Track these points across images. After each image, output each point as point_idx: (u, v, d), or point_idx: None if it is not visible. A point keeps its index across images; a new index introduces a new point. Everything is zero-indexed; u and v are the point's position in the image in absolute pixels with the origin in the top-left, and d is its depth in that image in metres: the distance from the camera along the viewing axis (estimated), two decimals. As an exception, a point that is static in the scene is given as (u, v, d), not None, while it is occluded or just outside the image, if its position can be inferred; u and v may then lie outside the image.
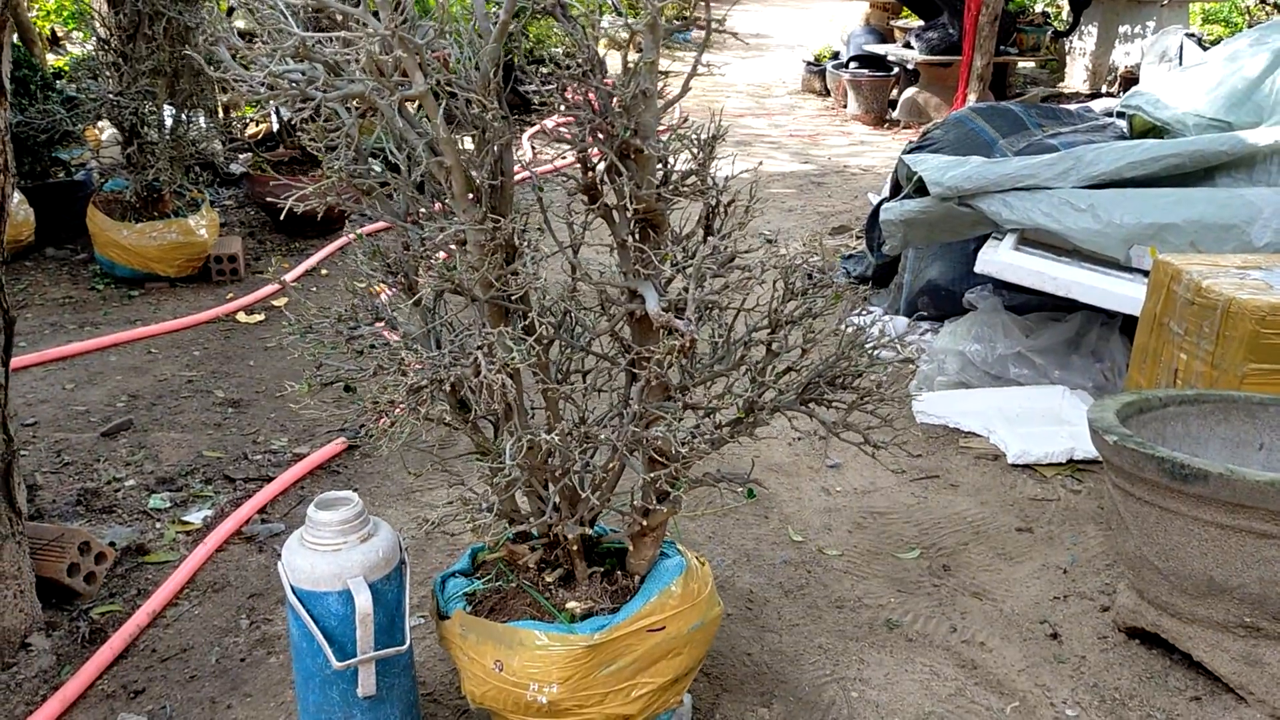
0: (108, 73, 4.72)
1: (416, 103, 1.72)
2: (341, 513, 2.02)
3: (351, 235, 1.99)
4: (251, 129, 6.73)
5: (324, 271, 5.31)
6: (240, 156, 6.04)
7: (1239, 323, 2.81)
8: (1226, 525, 2.22)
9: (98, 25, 4.75)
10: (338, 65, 1.63)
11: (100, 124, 6.33)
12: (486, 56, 1.70)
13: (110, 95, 4.65)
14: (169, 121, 4.95)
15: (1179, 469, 2.22)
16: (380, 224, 2.01)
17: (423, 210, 1.89)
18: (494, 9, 1.70)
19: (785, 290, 1.97)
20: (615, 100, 1.65)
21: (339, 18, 1.61)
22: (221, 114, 6.48)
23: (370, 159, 1.93)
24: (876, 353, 1.95)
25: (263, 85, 1.59)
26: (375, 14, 1.60)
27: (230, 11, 6.39)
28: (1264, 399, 2.69)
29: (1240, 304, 2.81)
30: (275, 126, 6.54)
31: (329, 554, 2.00)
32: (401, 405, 1.82)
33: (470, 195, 1.76)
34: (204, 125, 5.44)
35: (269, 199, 5.64)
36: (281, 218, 1.63)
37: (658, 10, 1.56)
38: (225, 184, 6.31)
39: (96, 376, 4.08)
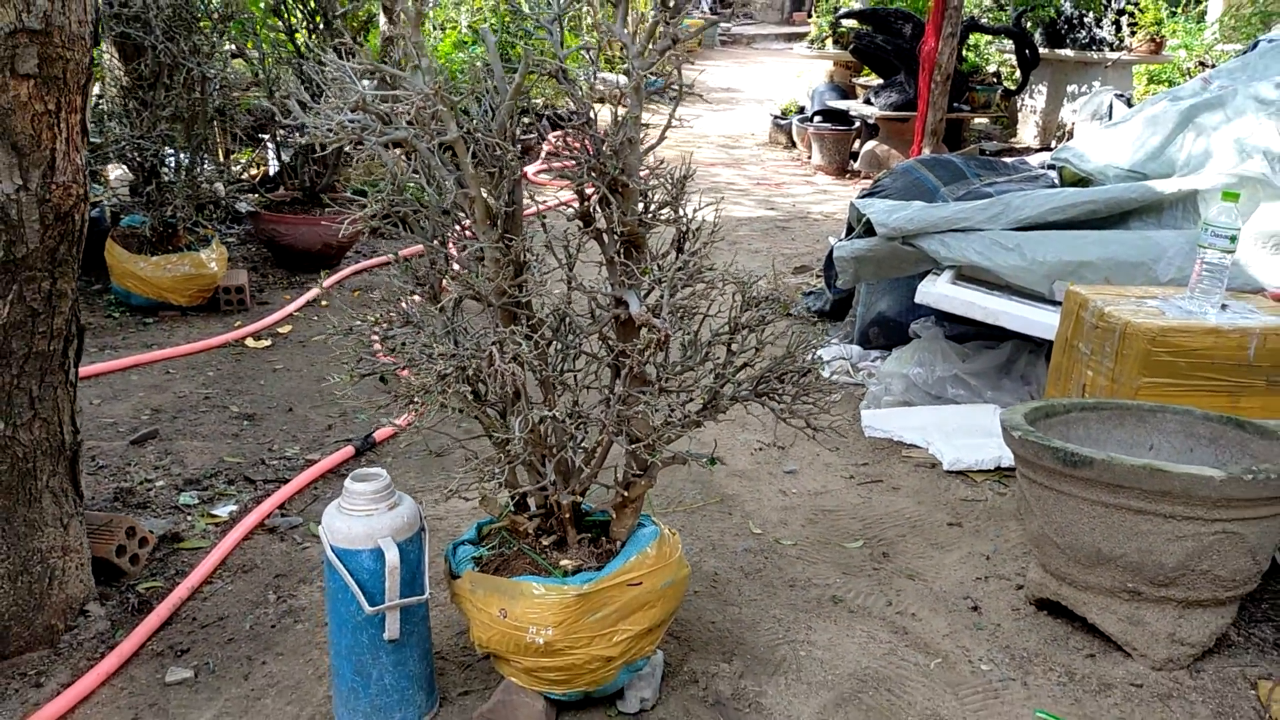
0: (131, 118, 5.15)
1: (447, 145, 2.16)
2: (374, 484, 2.43)
3: (389, 255, 2.41)
4: (251, 171, 7.15)
5: (324, 303, 5.72)
6: (245, 196, 6.46)
7: (1133, 343, 3.28)
8: (1109, 504, 2.66)
9: (121, 75, 5.19)
10: (387, 115, 2.07)
11: (108, 165, 6.74)
12: (504, 110, 2.15)
13: (133, 138, 5.07)
14: (184, 163, 5.36)
15: (1070, 456, 2.67)
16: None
17: (449, 233, 2.32)
18: (510, 73, 2.15)
19: (743, 301, 2.41)
20: (606, 145, 2.10)
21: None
22: (222, 156, 6.91)
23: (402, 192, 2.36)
24: (815, 353, 2.39)
25: (329, 131, 2.03)
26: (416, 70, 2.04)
27: (232, 56, 6.78)
28: (1153, 407, 3.14)
29: (1135, 326, 3.28)
30: (273, 169, 6.97)
31: (363, 518, 2.41)
32: (430, 391, 2.24)
33: (488, 220, 2.20)
34: (209, 167, 5.86)
35: (273, 235, 6.07)
36: (340, 235, 1.94)
37: (641, 76, 2.01)
38: (233, 221, 6.73)
39: (120, 393, 4.47)
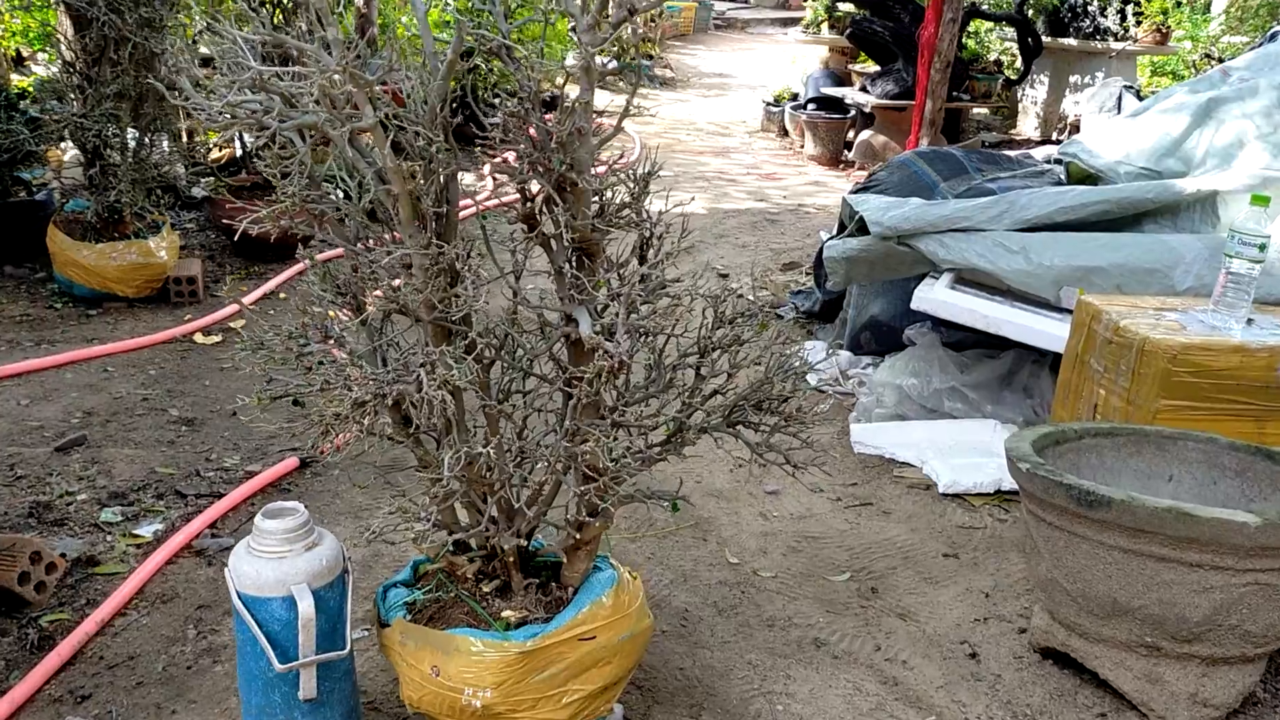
0: (72, 95, 4.80)
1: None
2: (287, 522, 2.11)
3: (305, 261, 2.08)
4: (215, 154, 6.80)
5: (282, 295, 5.39)
6: (202, 181, 6.12)
7: (1152, 361, 2.96)
8: (1128, 549, 2.35)
9: (64, 48, 4.84)
10: (293, 97, 1.74)
11: (63, 145, 6.39)
12: (434, 92, 1.82)
13: (74, 117, 4.72)
14: (132, 144, 5.02)
15: (1085, 495, 2.36)
16: (336, 250, 2.11)
17: (372, 236, 2.00)
18: (444, 48, 1.82)
19: (714, 318, 2.09)
20: (553, 137, 1.78)
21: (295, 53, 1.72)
22: (185, 139, 6.56)
23: (325, 185, 2.04)
24: (799, 378, 2.08)
25: (221, 114, 1.70)
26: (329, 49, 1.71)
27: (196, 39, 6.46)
28: (1173, 433, 2.84)
29: (1154, 343, 2.97)
30: (239, 153, 6.63)
31: (274, 561, 2.09)
32: (347, 419, 1.92)
33: (416, 222, 1.88)
34: (166, 149, 5.52)
35: (229, 223, 5.73)
36: (235, 238, 1.68)
37: (591, 55, 1.68)
38: (186, 208, 6.38)
39: (52, 393, 4.14)
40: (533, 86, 1.77)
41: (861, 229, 4.13)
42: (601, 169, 1.91)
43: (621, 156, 1.93)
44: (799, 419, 2.07)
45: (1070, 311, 3.75)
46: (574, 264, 1.94)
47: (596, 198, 1.90)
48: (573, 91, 1.83)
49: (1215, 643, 2.39)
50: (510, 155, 1.86)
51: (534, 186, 1.86)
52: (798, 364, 2.10)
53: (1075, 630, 2.56)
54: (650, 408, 2.08)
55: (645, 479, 3.15)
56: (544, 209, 1.86)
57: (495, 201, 2.06)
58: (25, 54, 9.28)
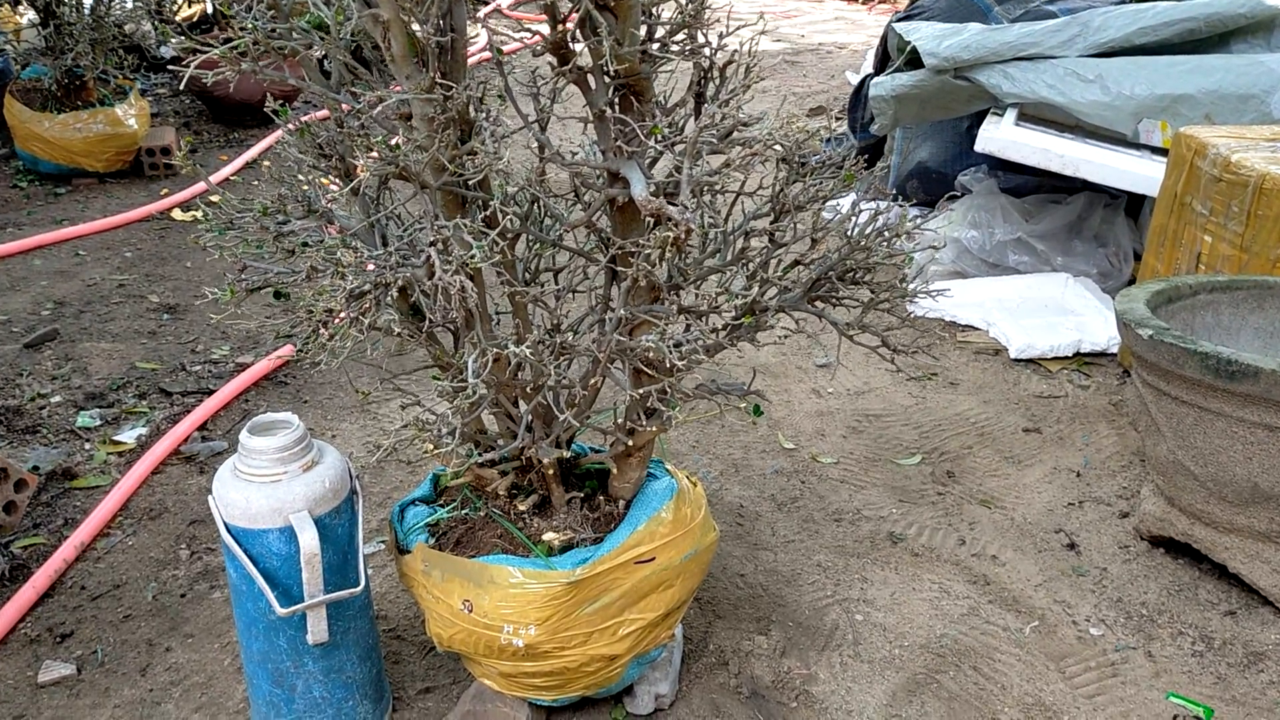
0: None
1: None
2: (280, 438, 1.74)
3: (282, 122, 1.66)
4: (185, 11, 6.25)
5: (265, 164, 4.93)
6: (173, 40, 5.61)
7: (1274, 200, 2.55)
8: (1277, 427, 1.99)
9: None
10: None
11: (21, 6, 5.85)
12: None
13: (18, -31, 4.21)
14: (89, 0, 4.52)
15: (1225, 366, 1.98)
16: (323, 111, 1.68)
17: (360, 80, 1.58)
18: None
19: (790, 171, 1.68)
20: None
21: None
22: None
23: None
24: (897, 241, 1.68)
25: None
26: None
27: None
28: (1302, 285, 2.45)
29: (1276, 180, 2.55)
30: (210, 9, 6.08)
31: (266, 486, 1.73)
32: (341, 314, 1.54)
33: (414, 59, 1.45)
34: (130, 5, 5.00)
35: (205, 86, 5.23)
36: (182, 86, 1.34)
37: None
38: (155, 70, 5.86)
39: (19, 282, 3.74)
40: None
41: (912, 62, 3.66)
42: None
43: (673, -39, 1.49)
44: (900, 291, 1.68)
45: (1148, 147, 3.33)
46: (618, 106, 1.52)
47: (645, 17, 1.47)
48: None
49: (1371, 531, 2.06)
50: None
51: (564, 4, 1.42)
52: (898, 219, 1.70)
53: (1201, 519, 2.22)
54: (711, 285, 1.69)
55: (703, 367, 2.78)
56: (579, 34, 1.43)
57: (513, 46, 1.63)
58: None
